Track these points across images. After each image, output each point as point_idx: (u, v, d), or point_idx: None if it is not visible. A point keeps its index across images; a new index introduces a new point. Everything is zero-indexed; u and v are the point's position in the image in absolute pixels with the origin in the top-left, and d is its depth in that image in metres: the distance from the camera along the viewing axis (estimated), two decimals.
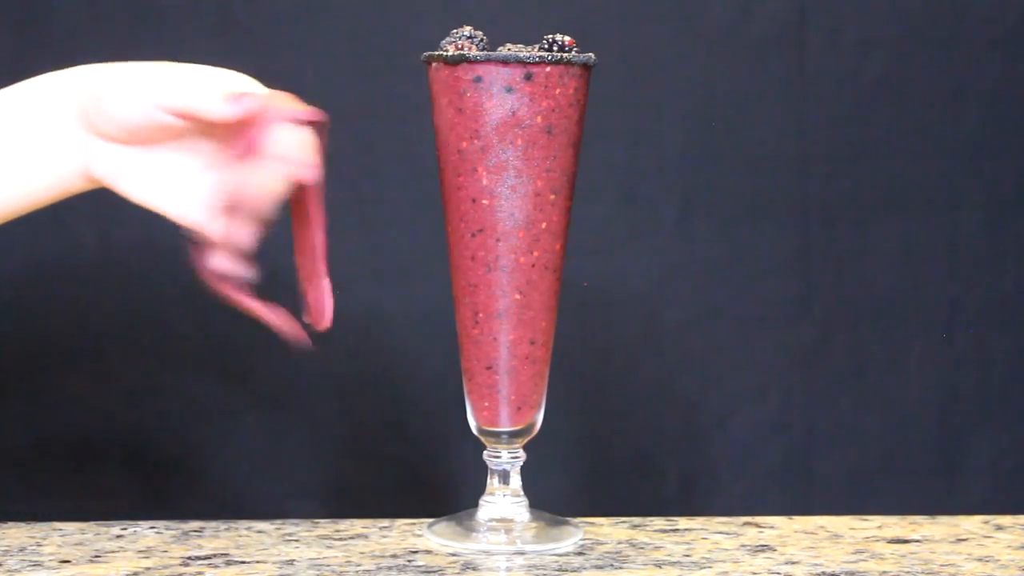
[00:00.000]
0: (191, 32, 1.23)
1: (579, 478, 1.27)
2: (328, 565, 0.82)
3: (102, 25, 1.23)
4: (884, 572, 0.81)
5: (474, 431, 0.88)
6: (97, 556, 0.83)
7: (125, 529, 0.89)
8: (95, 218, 1.22)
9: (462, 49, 0.83)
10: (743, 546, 0.86)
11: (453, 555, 0.84)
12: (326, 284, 0.82)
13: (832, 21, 1.28)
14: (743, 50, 1.27)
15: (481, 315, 0.85)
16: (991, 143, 1.29)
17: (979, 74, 1.28)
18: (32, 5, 1.22)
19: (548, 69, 0.82)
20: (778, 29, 1.27)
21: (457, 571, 0.81)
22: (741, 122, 1.27)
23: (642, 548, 0.86)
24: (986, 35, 1.28)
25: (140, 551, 0.84)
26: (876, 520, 0.92)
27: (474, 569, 0.82)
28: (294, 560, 0.83)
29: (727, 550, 0.85)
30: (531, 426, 0.87)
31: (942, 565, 0.83)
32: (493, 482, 0.88)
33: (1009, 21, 1.28)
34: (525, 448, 0.88)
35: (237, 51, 1.22)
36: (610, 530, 0.90)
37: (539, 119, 0.83)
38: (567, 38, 0.83)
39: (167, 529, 0.89)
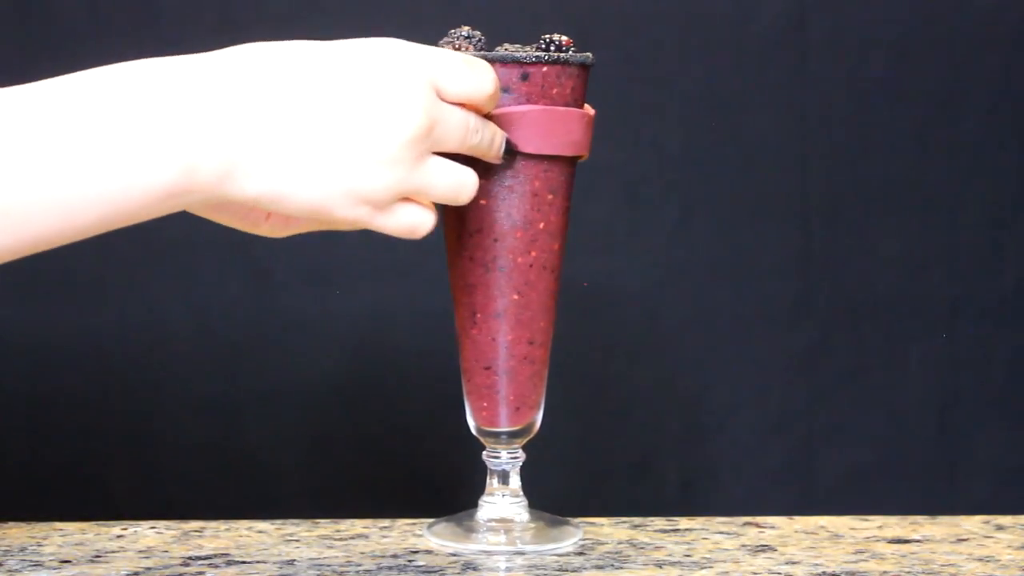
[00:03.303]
0: (191, 32, 1.23)
1: (579, 478, 1.27)
2: (329, 565, 0.82)
3: (101, 25, 1.23)
4: (885, 572, 0.81)
5: (473, 431, 0.88)
6: (98, 556, 0.83)
7: (125, 529, 0.89)
8: None
9: (459, 49, 0.83)
10: (744, 546, 0.86)
11: (453, 555, 0.84)
12: None
13: (832, 21, 1.28)
14: (743, 50, 1.27)
15: (479, 315, 0.85)
16: (991, 143, 1.29)
17: (979, 74, 1.28)
18: (32, 6, 1.22)
19: (545, 69, 0.82)
20: (778, 29, 1.27)
21: (458, 571, 0.81)
22: (741, 122, 1.27)
23: (642, 548, 0.86)
24: (986, 35, 1.28)
25: (140, 551, 0.84)
26: (876, 520, 0.92)
27: (474, 569, 0.81)
28: (294, 560, 0.83)
29: (728, 550, 0.85)
30: (530, 426, 0.87)
31: (943, 565, 0.83)
32: (492, 482, 0.88)
33: (1009, 21, 1.28)
34: (525, 448, 0.88)
35: None
36: (610, 530, 0.90)
37: None
38: (564, 38, 0.83)
39: (167, 529, 0.89)
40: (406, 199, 0.74)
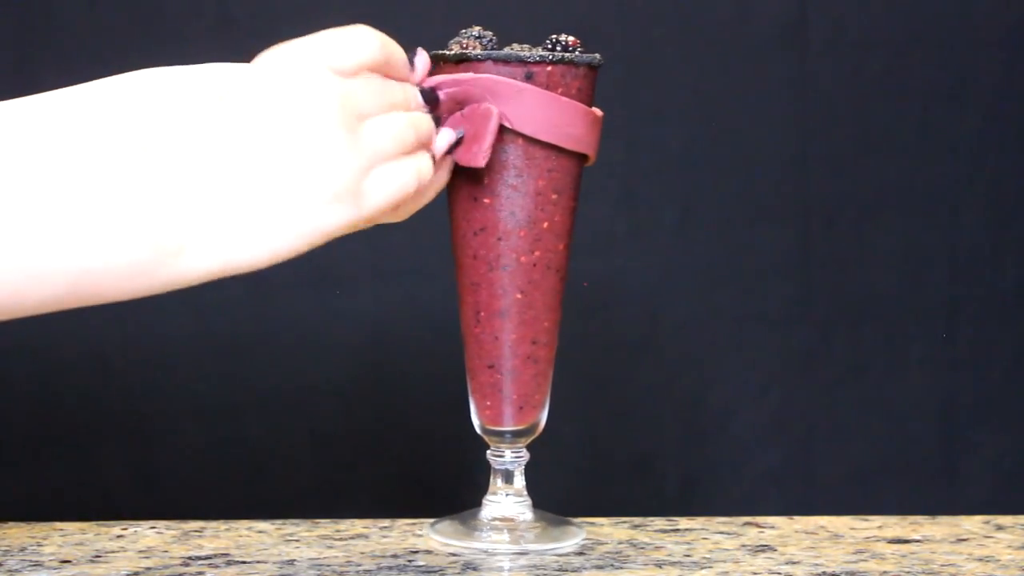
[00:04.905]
0: (190, 32, 1.23)
1: (580, 478, 1.27)
2: (329, 565, 0.82)
3: (102, 27, 1.22)
4: (885, 572, 0.81)
5: (477, 430, 0.88)
6: (98, 556, 0.83)
7: (125, 529, 0.88)
8: None
9: (467, 48, 0.83)
10: (744, 546, 0.86)
11: (453, 555, 0.84)
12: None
13: (832, 21, 1.28)
14: (743, 50, 1.27)
15: (483, 314, 0.85)
16: (991, 143, 1.29)
17: (979, 74, 1.28)
18: (31, 7, 1.22)
19: (550, 69, 0.82)
20: (778, 29, 1.27)
21: (458, 571, 0.81)
22: (741, 122, 1.27)
23: (643, 548, 0.86)
24: (986, 35, 1.28)
25: (140, 551, 0.84)
26: (876, 520, 0.92)
27: (474, 569, 0.81)
28: (295, 560, 0.82)
29: (728, 550, 0.85)
30: (534, 426, 0.87)
31: (943, 565, 0.83)
32: (496, 482, 0.88)
33: (1009, 21, 1.28)
34: (529, 447, 0.88)
35: (237, 51, 1.21)
36: (611, 530, 0.90)
37: None
38: (571, 38, 0.83)
39: (167, 529, 0.89)
40: (371, 169, 0.74)
